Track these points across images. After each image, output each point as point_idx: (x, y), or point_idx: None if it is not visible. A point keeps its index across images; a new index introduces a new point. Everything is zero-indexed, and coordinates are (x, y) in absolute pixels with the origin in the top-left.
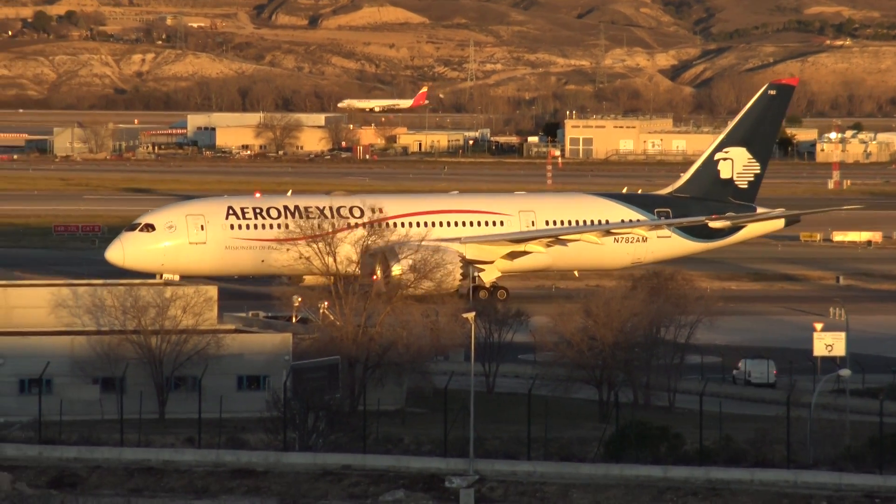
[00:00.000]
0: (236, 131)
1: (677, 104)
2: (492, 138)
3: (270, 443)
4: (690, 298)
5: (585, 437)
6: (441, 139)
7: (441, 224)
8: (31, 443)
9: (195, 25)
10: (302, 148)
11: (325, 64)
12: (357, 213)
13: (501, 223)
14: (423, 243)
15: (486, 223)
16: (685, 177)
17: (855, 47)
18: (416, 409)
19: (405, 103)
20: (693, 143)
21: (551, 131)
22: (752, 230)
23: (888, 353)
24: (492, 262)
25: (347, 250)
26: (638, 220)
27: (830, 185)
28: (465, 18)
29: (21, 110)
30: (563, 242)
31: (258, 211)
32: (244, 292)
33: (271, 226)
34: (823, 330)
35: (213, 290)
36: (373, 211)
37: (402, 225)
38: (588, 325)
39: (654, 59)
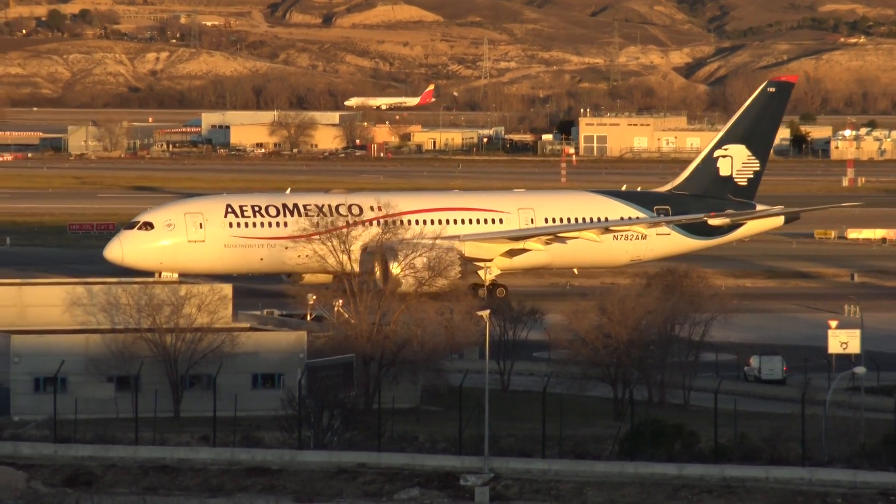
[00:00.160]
0: (250, 129)
1: (691, 102)
2: (506, 136)
3: (285, 441)
4: (705, 296)
5: (600, 434)
6: (455, 137)
7: (440, 222)
8: (47, 441)
9: (209, 24)
10: (316, 146)
11: (339, 62)
12: (356, 210)
13: (501, 221)
14: (423, 241)
15: (486, 221)
16: (684, 174)
17: (869, 45)
18: (430, 408)
19: (412, 101)
20: (707, 141)
21: (565, 129)
22: (751, 227)
23: None
24: (491, 260)
25: (356, 248)
26: (637, 218)
27: (845, 182)
28: (479, 16)
29: (35, 109)
30: (563, 240)
31: (257, 209)
32: (259, 290)
33: (270, 224)
34: (838, 327)
35: (227, 289)
36: (372, 209)
37: (402, 223)
38: (603, 322)
39: (669, 56)
